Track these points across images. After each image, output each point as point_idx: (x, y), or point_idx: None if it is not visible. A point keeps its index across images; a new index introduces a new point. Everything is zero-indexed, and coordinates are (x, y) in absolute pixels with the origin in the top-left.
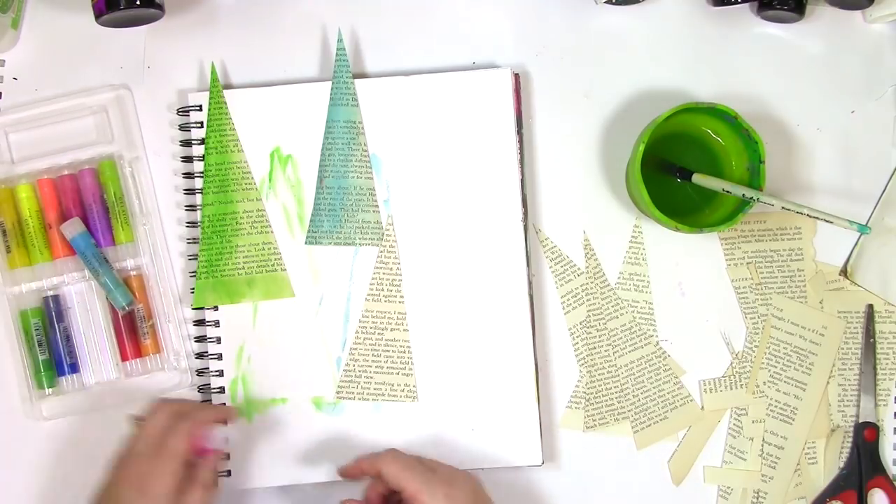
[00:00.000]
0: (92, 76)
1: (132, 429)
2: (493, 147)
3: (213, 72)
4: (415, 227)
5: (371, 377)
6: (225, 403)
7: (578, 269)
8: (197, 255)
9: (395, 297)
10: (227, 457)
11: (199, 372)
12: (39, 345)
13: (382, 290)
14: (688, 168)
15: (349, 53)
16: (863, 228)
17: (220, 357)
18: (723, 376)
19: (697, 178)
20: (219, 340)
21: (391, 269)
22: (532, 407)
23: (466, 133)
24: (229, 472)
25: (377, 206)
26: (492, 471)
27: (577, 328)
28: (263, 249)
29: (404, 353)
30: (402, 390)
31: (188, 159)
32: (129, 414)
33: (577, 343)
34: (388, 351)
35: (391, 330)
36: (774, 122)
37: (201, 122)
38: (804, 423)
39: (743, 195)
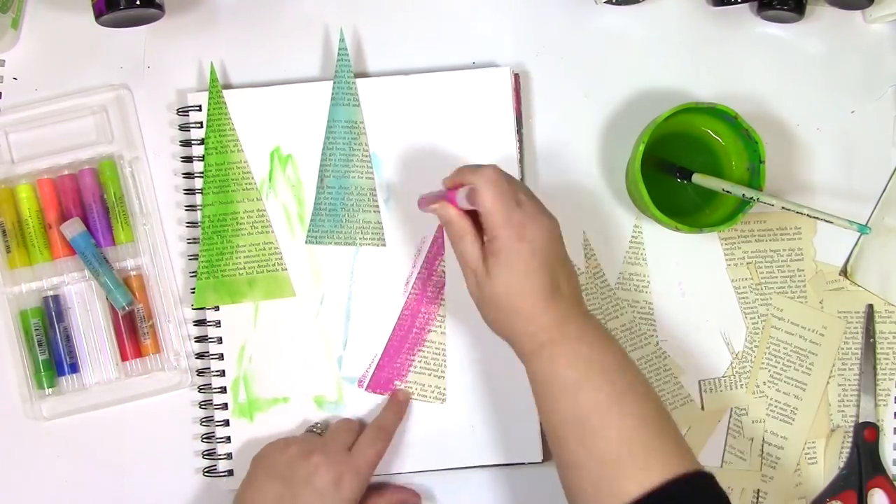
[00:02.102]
0: (92, 76)
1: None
2: (493, 147)
3: (213, 72)
4: (414, 227)
5: (405, 376)
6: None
7: (578, 269)
8: (197, 255)
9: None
10: (230, 456)
11: (200, 372)
12: (39, 345)
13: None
14: (688, 168)
15: (349, 53)
16: (863, 228)
17: (221, 357)
18: (723, 376)
19: (697, 178)
20: (220, 340)
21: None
22: (532, 404)
23: (466, 132)
24: (231, 472)
25: (378, 205)
26: (492, 468)
27: None
28: (264, 249)
29: (439, 355)
30: (433, 391)
31: (188, 159)
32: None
33: None
34: (423, 352)
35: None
36: (774, 122)
37: (201, 122)
38: (804, 423)
39: (743, 195)
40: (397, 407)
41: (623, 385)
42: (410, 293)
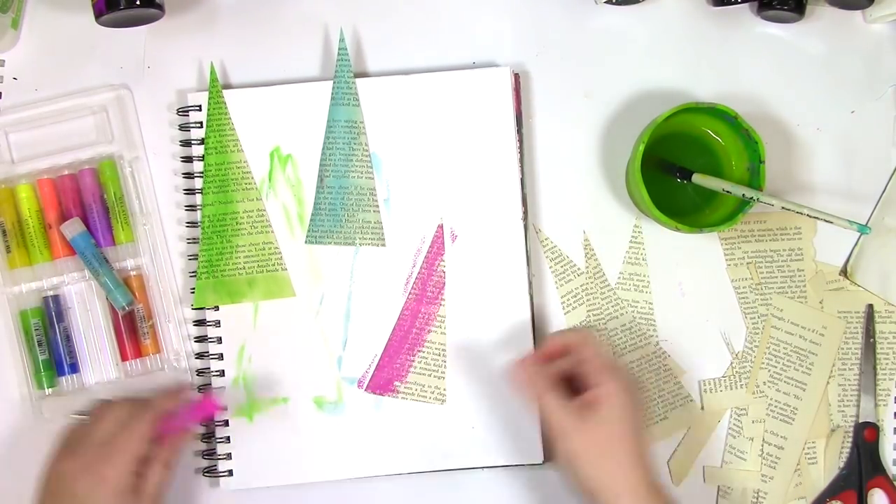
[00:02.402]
0: (92, 76)
1: (75, 425)
2: (493, 147)
3: (213, 72)
4: (414, 227)
5: (405, 377)
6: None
7: (578, 269)
8: (197, 255)
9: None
10: (229, 456)
11: (200, 372)
12: (39, 345)
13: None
14: (688, 168)
15: (349, 53)
16: (863, 228)
17: (220, 357)
18: (723, 376)
19: (697, 178)
20: (219, 340)
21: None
22: (533, 405)
23: (466, 132)
24: (231, 472)
25: (377, 205)
26: (492, 469)
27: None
28: (264, 249)
29: (439, 356)
30: (433, 392)
31: (188, 159)
32: (73, 413)
33: None
34: (423, 353)
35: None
36: (774, 122)
37: (201, 122)
38: (804, 423)
39: (743, 195)
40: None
41: None
42: (410, 293)
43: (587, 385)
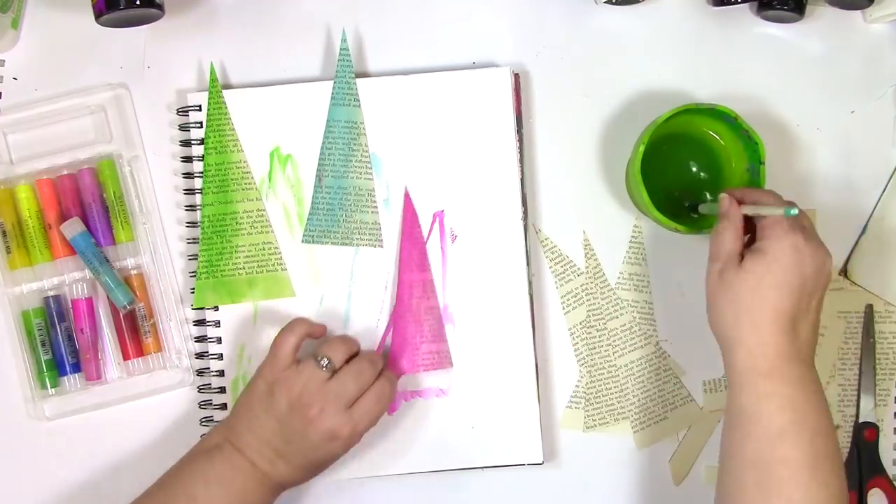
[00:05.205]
0: (92, 76)
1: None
2: (492, 147)
3: (213, 72)
4: None
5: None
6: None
7: (578, 269)
8: (197, 255)
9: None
10: None
11: (200, 372)
12: (42, 345)
13: None
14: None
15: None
16: (788, 211)
17: (220, 357)
18: (723, 376)
19: (703, 209)
20: (219, 340)
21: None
22: (532, 405)
23: (466, 133)
24: None
25: (376, 206)
26: (492, 469)
27: (577, 328)
28: (264, 249)
29: (437, 322)
30: (438, 357)
31: (188, 159)
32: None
33: (577, 343)
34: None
35: None
36: (774, 122)
37: (201, 122)
38: None
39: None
40: (392, 375)
41: (823, 451)
42: (398, 266)
43: (760, 233)
